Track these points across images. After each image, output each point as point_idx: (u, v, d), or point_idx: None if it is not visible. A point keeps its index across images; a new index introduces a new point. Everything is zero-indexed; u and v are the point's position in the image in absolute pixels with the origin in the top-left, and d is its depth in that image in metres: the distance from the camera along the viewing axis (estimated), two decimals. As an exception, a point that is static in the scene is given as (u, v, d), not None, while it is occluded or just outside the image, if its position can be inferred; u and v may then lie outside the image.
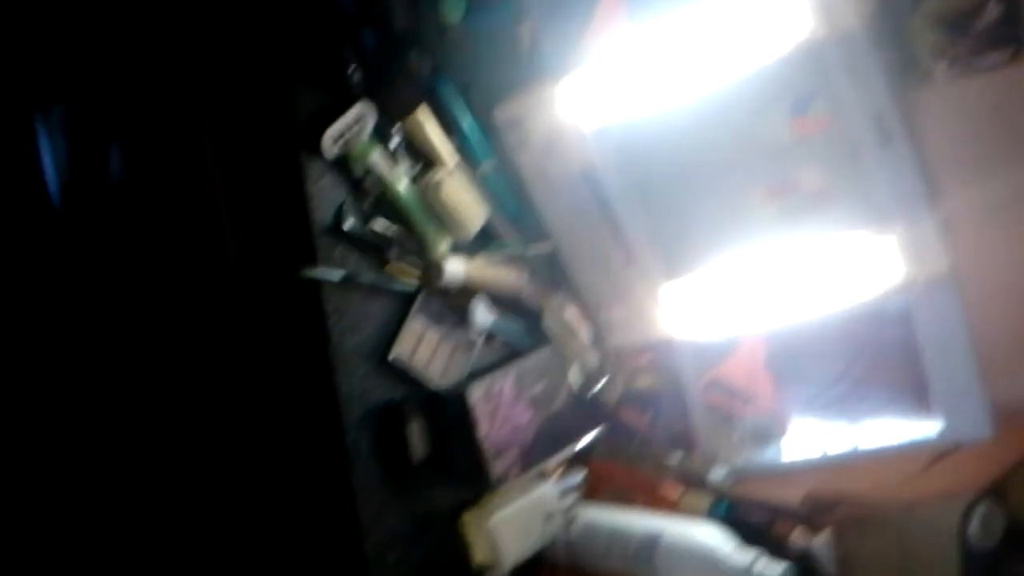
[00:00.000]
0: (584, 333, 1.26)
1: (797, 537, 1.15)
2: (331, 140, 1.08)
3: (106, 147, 1.41)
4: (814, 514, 1.19)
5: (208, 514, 1.24)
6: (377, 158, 1.13)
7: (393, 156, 1.15)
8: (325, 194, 1.10)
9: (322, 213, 1.09)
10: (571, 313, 1.26)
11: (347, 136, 1.10)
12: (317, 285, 1.08)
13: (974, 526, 1.06)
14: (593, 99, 1.21)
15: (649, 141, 1.22)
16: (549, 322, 1.26)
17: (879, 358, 1.30)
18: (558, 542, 1.18)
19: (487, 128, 1.25)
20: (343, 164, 1.12)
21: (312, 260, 1.08)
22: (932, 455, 1.19)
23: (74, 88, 1.37)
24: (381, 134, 1.14)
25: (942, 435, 1.15)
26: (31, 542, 1.26)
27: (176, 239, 1.32)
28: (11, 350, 1.31)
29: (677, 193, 1.24)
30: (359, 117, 1.10)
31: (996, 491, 1.10)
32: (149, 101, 1.33)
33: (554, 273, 1.30)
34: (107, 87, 1.37)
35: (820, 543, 1.15)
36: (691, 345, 1.32)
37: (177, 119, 1.29)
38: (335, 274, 1.08)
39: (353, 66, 1.12)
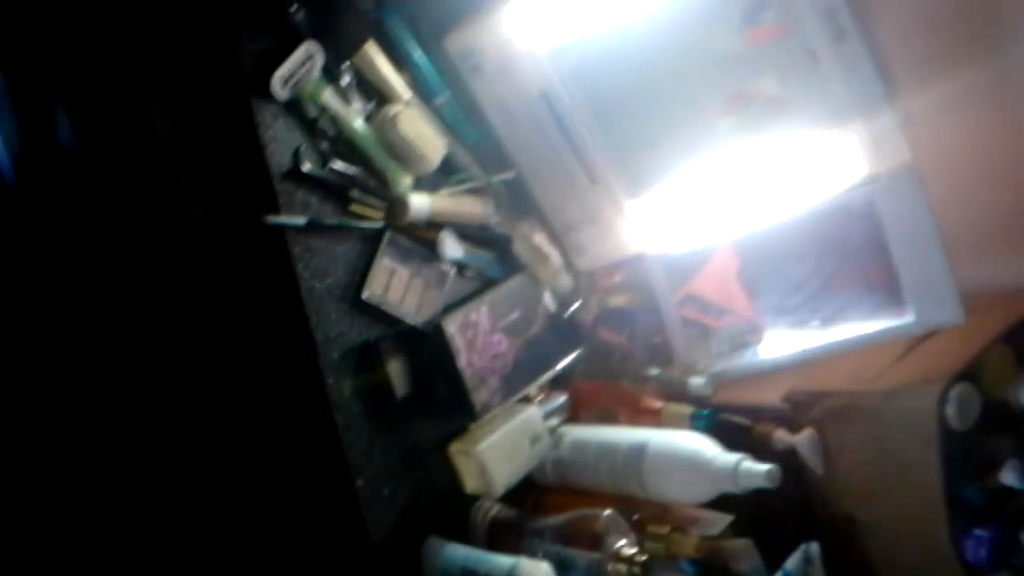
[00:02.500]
0: (555, 257, 1.26)
1: (780, 436, 1.18)
2: (280, 82, 1.06)
3: (52, 112, 1.38)
4: (795, 412, 1.21)
5: (196, 469, 1.25)
6: (329, 97, 1.11)
7: (345, 95, 1.14)
8: (280, 139, 1.08)
9: (279, 158, 1.08)
10: (540, 238, 1.26)
11: (296, 77, 1.08)
12: (282, 232, 1.06)
13: (951, 408, 1.09)
14: (545, 19, 1.19)
15: (604, 59, 1.21)
16: (519, 249, 1.25)
17: (847, 256, 1.31)
18: (546, 463, 1.20)
19: (439, 59, 1.23)
20: (295, 107, 1.10)
21: (274, 207, 1.06)
22: (906, 344, 1.21)
23: (9, 55, 1.33)
24: (331, 73, 1.12)
25: (914, 324, 1.17)
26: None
27: (135, 200, 1.30)
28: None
29: (636, 110, 1.23)
30: (307, 57, 1.08)
31: (971, 373, 1.12)
32: (89, 58, 1.30)
33: (520, 200, 1.30)
34: (44, 49, 1.33)
35: (803, 439, 1.17)
36: (662, 259, 1.32)
37: (120, 74, 1.26)
38: (299, 219, 1.07)
39: (296, 4, 1.09)
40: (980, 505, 1.11)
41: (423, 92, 1.21)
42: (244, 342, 1.18)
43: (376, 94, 1.17)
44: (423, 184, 1.19)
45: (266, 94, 1.06)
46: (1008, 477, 1.09)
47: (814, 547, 1.11)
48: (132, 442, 1.27)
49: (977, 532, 1.09)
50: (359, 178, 1.13)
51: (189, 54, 1.16)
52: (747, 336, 1.36)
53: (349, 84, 1.14)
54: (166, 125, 1.24)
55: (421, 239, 1.17)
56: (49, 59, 1.34)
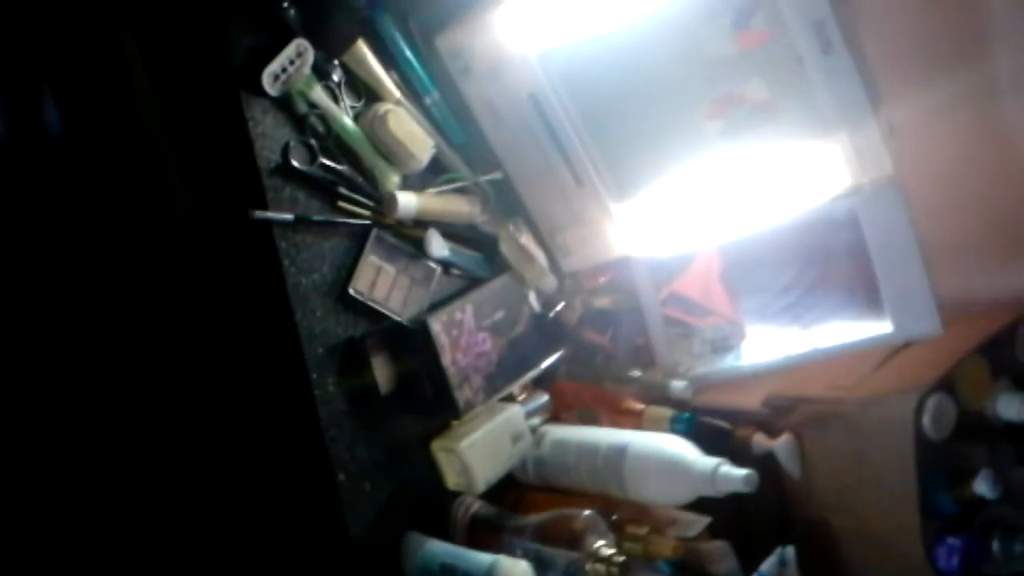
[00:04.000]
0: (540, 258, 1.27)
1: (758, 440, 1.19)
2: (270, 78, 1.07)
3: (40, 102, 1.37)
4: (774, 417, 1.22)
5: (179, 461, 1.25)
6: (319, 95, 1.11)
7: (335, 92, 1.14)
8: (269, 135, 1.09)
9: (268, 154, 1.08)
10: (526, 239, 1.27)
11: (287, 74, 1.08)
12: (269, 227, 1.07)
13: (927, 418, 1.10)
14: (536, 22, 1.19)
15: (594, 62, 1.21)
16: (505, 249, 1.26)
17: (829, 264, 1.32)
18: (528, 462, 1.21)
19: (429, 59, 1.23)
20: (285, 104, 1.10)
21: (262, 202, 1.07)
22: (885, 354, 1.23)
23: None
24: (321, 71, 1.13)
25: (893, 334, 1.18)
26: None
27: (123, 192, 1.30)
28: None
29: (624, 112, 1.23)
30: (297, 54, 1.08)
31: (947, 383, 1.14)
32: (79, 48, 1.29)
33: (506, 201, 1.30)
34: (32, 38, 1.32)
35: (781, 445, 1.18)
36: (646, 262, 1.33)
37: (110, 67, 1.26)
38: (286, 215, 1.07)
39: (287, 1, 1.09)
40: (953, 514, 1.12)
41: (412, 91, 1.22)
42: (229, 336, 1.18)
43: (366, 92, 1.18)
44: (411, 183, 1.19)
45: (256, 89, 1.07)
46: (981, 486, 1.10)
47: (790, 550, 1.12)
48: (114, 431, 1.27)
49: (950, 540, 1.10)
50: (347, 175, 1.14)
51: (180, 48, 1.16)
52: (728, 337, 1.37)
53: (339, 82, 1.15)
54: (156, 118, 1.23)
55: (408, 237, 1.18)
56: (38, 48, 1.34)
